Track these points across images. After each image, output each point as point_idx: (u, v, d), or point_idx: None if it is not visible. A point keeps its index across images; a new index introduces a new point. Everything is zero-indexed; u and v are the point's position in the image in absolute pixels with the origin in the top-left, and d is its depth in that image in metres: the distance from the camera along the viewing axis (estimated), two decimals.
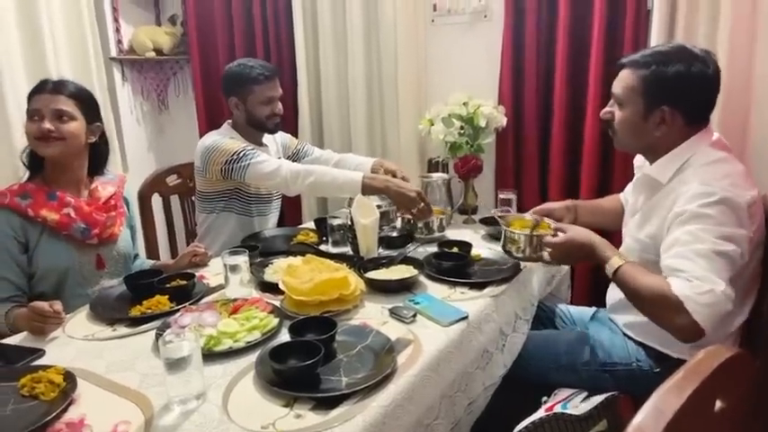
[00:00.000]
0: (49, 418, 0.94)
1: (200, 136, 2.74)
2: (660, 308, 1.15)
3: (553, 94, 2.08)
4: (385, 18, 2.29)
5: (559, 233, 1.34)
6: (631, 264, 1.23)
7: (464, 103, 2.07)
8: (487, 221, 1.93)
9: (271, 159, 1.87)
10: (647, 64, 1.27)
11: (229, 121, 2.05)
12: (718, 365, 0.64)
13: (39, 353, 1.19)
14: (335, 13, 2.42)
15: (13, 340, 1.27)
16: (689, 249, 1.15)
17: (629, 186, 1.60)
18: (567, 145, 2.09)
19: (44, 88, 1.48)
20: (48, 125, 1.44)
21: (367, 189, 1.72)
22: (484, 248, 1.72)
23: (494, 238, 1.85)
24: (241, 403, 1.00)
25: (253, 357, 1.13)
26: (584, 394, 1.37)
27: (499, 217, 1.53)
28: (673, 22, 1.80)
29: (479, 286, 1.46)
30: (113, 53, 2.82)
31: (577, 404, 1.33)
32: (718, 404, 0.65)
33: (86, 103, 1.53)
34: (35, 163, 1.52)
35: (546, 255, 1.37)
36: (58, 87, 1.48)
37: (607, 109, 1.40)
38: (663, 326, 1.17)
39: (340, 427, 0.92)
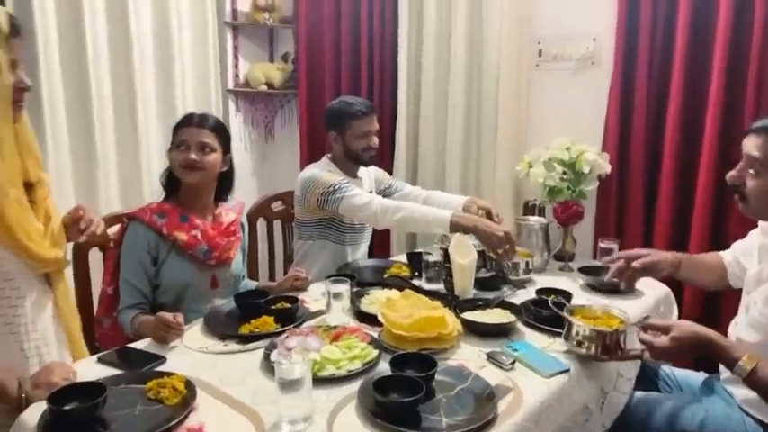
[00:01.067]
0: (174, 422, 1.02)
1: (302, 165, 2.92)
2: None
3: (663, 145, 2.02)
4: (489, 62, 2.34)
5: (665, 336, 1.20)
6: (764, 361, 1.15)
7: (567, 148, 2.05)
8: (587, 270, 1.88)
9: (363, 194, 1.96)
10: None
11: (329, 154, 2.16)
12: None
13: (161, 359, 1.30)
14: (440, 55, 2.50)
15: (137, 345, 1.39)
16: None
17: (739, 246, 1.52)
18: (675, 197, 2.02)
19: (191, 122, 1.64)
20: (193, 156, 1.60)
21: (455, 227, 1.74)
22: (583, 299, 1.68)
23: (593, 288, 1.81)
24: (345, 430, 1.03)
25: (353, 385, 1.17)
26: None
27: (563, 308, 1.38)
28: None
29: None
30: (230, 86, 3.07)
31: None
32: None
33: (224, 136, 1.69)
34: (172, 186, 1.68)
35: (645, 355, 1.25)
36: (202, 122, 1.65)
37: (736, 173, 1.33)
38: None
39: None
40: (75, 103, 2.33)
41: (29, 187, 1.25)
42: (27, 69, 1.24)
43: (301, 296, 1.70)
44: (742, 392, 1.33)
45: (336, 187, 1.95)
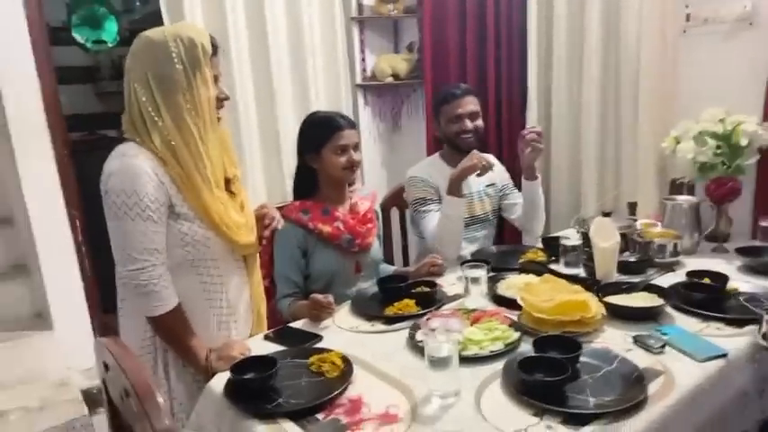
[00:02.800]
0: (337, 392, 1.14)
1: (428, 154, 2.98)
2: None
3: None
4: (627, 32, 2.21)
5: None
6: None
7: (720, 120, 1.89)
8: (746, 251, 1.73)
9: (431, 222, 2.02)
10: None
11: (441, 150, 2.19)
12: None
13: (318, 338, 1.44)
14: (572, 31, 2.41)
15: (296, 325, 1.55)
16: None
17: None
18: None
19: (342, 125, 1.77)
20: (356, 157, 1.77)
21: (453, 189, 1.93)
22: (741, 281, 1.56)
23: (755, 270, 1.67)
24: (493, 406, 1.08)
25: (496, 366, 1.21)
26: None
27: (760, 306, 1.31)
28: None
29: (739, 323, 1.34)
30: (359, 80, 3.21)
31: None
32: None
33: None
34: (307, 187, 1.83)
35: None
36: (351, 123, 1.79)
37: None
38: None
39: None
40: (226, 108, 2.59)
41: (227, 182, 1.46)
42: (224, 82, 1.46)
43: (439, 281, 1.77)
44: None
45: (417, 205, 2.08)
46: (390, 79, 3.18)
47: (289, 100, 2.85)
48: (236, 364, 1.21)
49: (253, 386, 1.18)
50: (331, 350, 1.30)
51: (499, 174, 2.25)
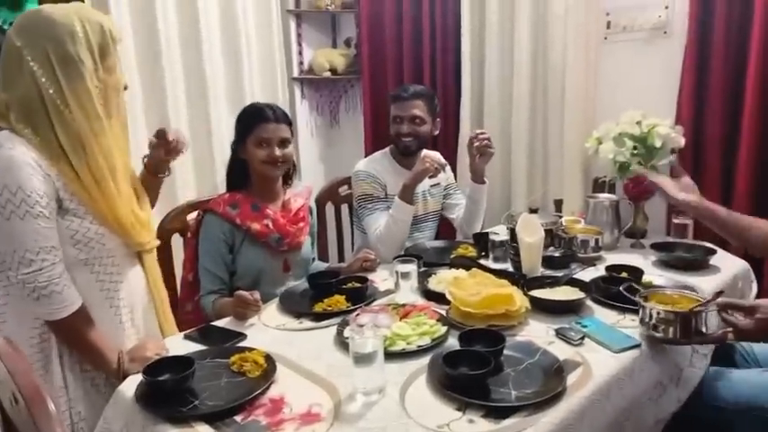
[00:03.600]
0: (257, 392, 1.10)
1: (366, 149, 2.97)
2: None
3: (741, 118, 1.92)
4: (554, 37, 2.29)
5: (749, 318, 1.18)
6: None
7: (638, 122, 1.98)
8: (660, 247, 1.83)
9: (374, 221, 2.02)
10: None
11: (392, 145, 2.18)
12: None
13: (242, 336, 1.40)
14: (503, 33, 2.46)
15: (219, 323, 1.49)
16: None
17: None
18: (755, 172, 1.92)
19: (268, 118, 1.69)
20: (278, 152, 1.68)
21: (406, 196, 1.94)
22: (655, 275, 1.64)
23: (668, 265, 1.76)
24: (417, 402, 1.08)
25: (423, 360, 1.21)
26: None
27: (635, 294, 1.35)
28: None
29: None
30: (295, 74, 3.15)
31: None
32: None
33: (291, 126, 1.76)
34: (241, 178, 1.75)
35: (729, 336, 1.21)
36: (278, 117, 1.71)
37: None
38: None
39: None
40: (151, 97, 2.48)
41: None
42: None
43: (370, 277, 1.76)
44: None
45: (362, 202, 2.07)
46: (328, 74, 3.15)
47: (222, 92, 2.76)
48: (149, 366, 1.14)
49: (166, 388, 1.11)
50: (254, 349, 1.26)
51: (444, 174, 2.27)
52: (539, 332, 1.35)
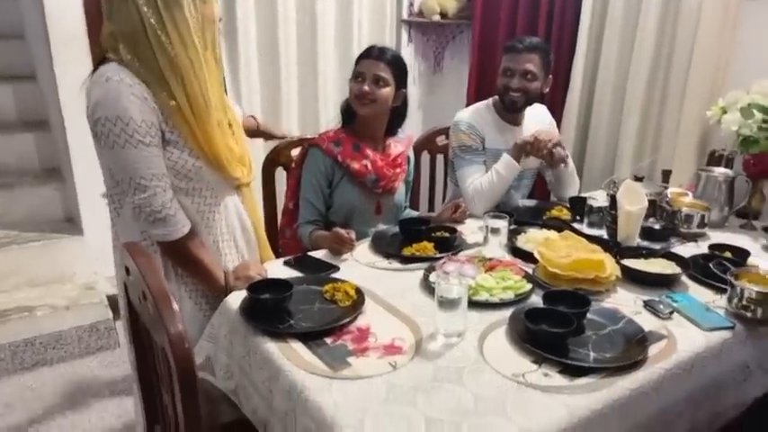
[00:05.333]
0: (346, 320, 1.20)
1: (468, 100, 2.94)
2: None
3: None
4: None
5: None
6: None
7: None
8: None
9: (473, 173, 1.99)
10: None
11: (496, 97, 2.11)
12: None
13: (334, 268, 1.50)
14: None
15: (315, 254, 1.60)
16: None
17: None
18: None
19: (370, 54, 1.74)
20: (367, 88, 1.71)
21: (517, 155, 1.93)
22: (764, 260, 1.54)
23: None
24: (494, 350, 1.13)
25: (505, 313, 1.25)
26: None
27: (726, 272, 1.31)
28: None
29: None
30: (405, 15, 3.13)
31: None
32: None
33: (401, 70, 1.78)
34: (349, 115, 1.82)
35: None
36: (380, 54, 1.73)
37: None
38: None
39: (585, 395, 0.99)
40: (264, 33, 2.58)
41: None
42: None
43: (459, 228, 1.79)
44: None
45: (458, 152, 2.04)
46: (438, 17, 3.10)
47: (330, 32, 2.81)
48: (252, 284, 1.27)
49: (267, 306, 1.24)
50: (346, 281, 1.36)
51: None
52: (626, 301, 1.34)
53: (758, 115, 1.80)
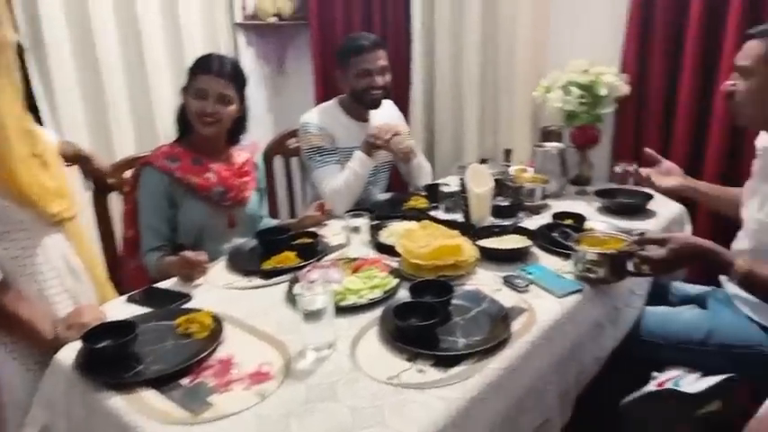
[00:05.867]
0: (204, 354, 1.08)
1: (316, 99, 2.89)
2: None
3: (682, 65, 1.94)
4: None
5: (662, 249, 1.23)
6: (759, 262, 1.19)
7: (584, 71, 1.99)
8: (603, 194, 1.88)
9: (327, 174, 1.96)
10: None
11: (340, 96, 2.11)
12: None
13: (186, 297, 1.36)
14: None
15: (163, 285, 1.45)
16: None
17: None
18: (693, 120, 1.96)
19: (210, 69, 1.60)
20: (212, 108, 1.59)
21: (369, 150, 1.93)
22: (599, 222, 1.69)
23: (609, 210, 1.81)
24: (367, 355, 1.09)
25: (375, 313, 1.22)
26: (698, 374, 1.34)
27: (567, 239, 1.42)
28: None
29: None
30: (238, 19, 2.99)
31: (692, 382, 1.31)
32: None
33: (243, 83, 1.67)
34: (186, 126, 1.67)
35: (645, 269, 1.26)
36: (221, 69, 1.61)
37: (730, 82, 1.37)
38: None
39: (460, 384, 0.99)
40: (79, 47, 2.31)
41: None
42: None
43: (321, 231, 1.74)
44: (746, 299, 1.36)
45: (313, 154, 2.00)
46: (274, 19, 3.00)
47: (159, 40, 2.59)
48: (88, 332, 1.10)
49: (107, 354, 1.08)
50: (200, 310, 1.23)
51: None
52: (487, 280, 1.38)
53: (576, 91, 1.97)
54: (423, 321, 1.12)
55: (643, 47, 2.03)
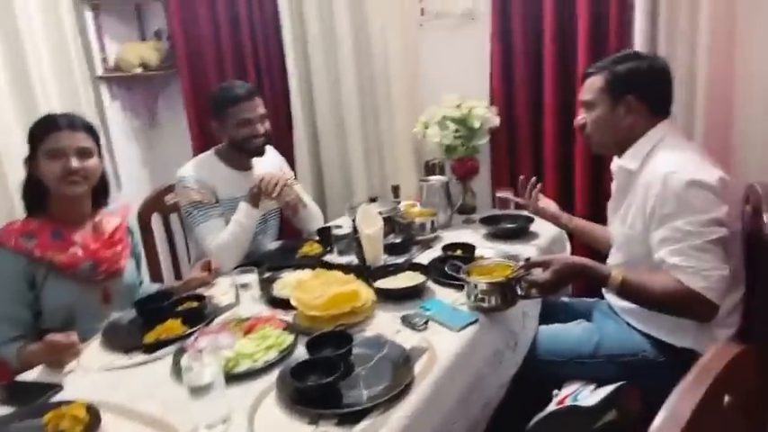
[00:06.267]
0: None
1: (194, 149, 2.77)
2: (682, 306, 1.24)
3: (543, 93, 2.10)
4: (372, 24, 2.30)
5: (544, 272, 1.29)
6: (631, 271, 1.29)
7: (457, 105, 2.08)
8: (487, 221, 1.95)
9: (213, 229, 1.87)
10: (608, 65, 1.43)
11: (217, 146, 2.04)
12: (725, 364, 0.67)
13: (56, 388, 1.20)
14: (323, 21, 2.42)
15: (28, 376, 1.27)
16: (686, 246, 1.23)
17: None
18: (559, 142, 2.12)
19: (59, 125, 1.46)
20: (75, 164, 1.44)
21: (254, 201, 1.88)
22: (487, 248, 1.74)
23: (495, 236, 1.89)
24: (266, 424, 1.01)
25: (272, 376, 1.15)
26: (593, 386, 1.40)
27: (459, 271, 1.42)
28: (655, 15, 1.83)
29: None
30: (99, 72, 2.81)
31: (587, 395, 1.37)
32: (726, 399, 0.69)
33: (96, 134, 1.54)
34: (38, 200, 1.50)
35: (533, 292, 1.33)
36: (73, 123, 1.47)
37: (580, 117, 1.51)
38: (684, 317, 1.29)
39: None
40: None
41: None
42: None
43: (209, 292, 1.63)
44: (624, 308, 1.46)
45: (191, 210, 1.90)
46: (140, 70, 2.85)
47: (7, 100, 2.35)
48: None
49: None
50: (73, 401, 1.08)
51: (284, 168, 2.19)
52: (387, 323, 1.36)
53: (451, 126, 2.06)
54: (322, 379, 1.07)
55: (508, 79, 2.18)
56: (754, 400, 0.76)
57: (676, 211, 1.24)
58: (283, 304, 1.47)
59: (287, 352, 1.24)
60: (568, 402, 1.32)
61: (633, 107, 1.39)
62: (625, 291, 1.28)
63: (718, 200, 1.24)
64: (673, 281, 1.23)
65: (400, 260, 1.68)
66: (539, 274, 1.31)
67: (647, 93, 1.39)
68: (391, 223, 1.89)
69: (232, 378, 1.15)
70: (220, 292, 1.65)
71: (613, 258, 1.53)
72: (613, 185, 1.55)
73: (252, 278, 1.49)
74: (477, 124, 2.05)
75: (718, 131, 1.79)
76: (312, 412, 1.01)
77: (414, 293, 1.47)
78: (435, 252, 1.78)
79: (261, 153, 1.99)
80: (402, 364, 1.15)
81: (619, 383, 1.36)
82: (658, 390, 1.34)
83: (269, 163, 2.08)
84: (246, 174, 2.00)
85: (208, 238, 1.87)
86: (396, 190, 2.20)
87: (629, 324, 1.47)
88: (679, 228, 1.23)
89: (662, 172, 1.28)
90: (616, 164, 1.50)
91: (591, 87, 1.45)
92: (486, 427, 1.30)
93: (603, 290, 1.53)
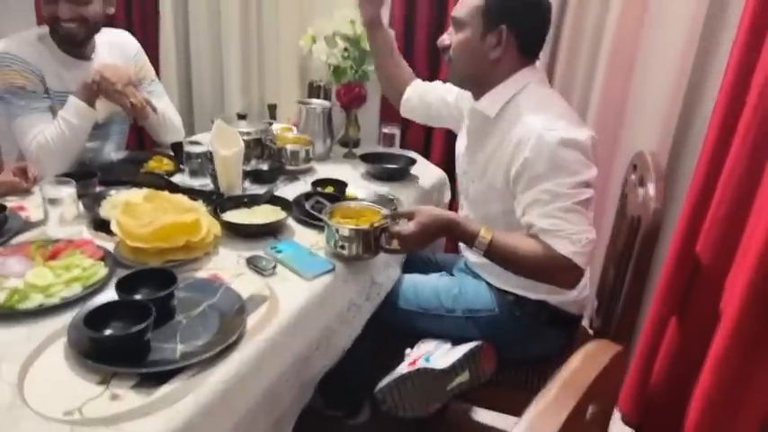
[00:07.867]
0: None
1: (37, 19, 2.30)
2: (549, 271, 1.17)
3: (446, 21, 1.91)
4: None
5: (410, 223, 1.18)
6: (499, 232, 1.19)
7: (352, 21, 1.83)
8: (368, 158, 1.77)
9: (35, 124, 1.53)
10: None
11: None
12: (595, 376, 0.57)
13: None
14: None
15: None
16: (554, 208, 1.14)
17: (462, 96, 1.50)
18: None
19: None
20: None
21: (88, 96, 1.54)
22: (361, 188, 1.59)
23: (373, 176, 1.73)
24: (42, 380, 0.81)
25: (67, 318, 0.93)
26: (448, 346, 1.34)
27: (321, 211, 1.26)
28: None
29: None
30: None
31: (440, 357, 1.30)
32: (590, 410, 0.59)
33: None
34: None
35: (395, 243, 1.20)
36: None
37: (444, 36, 1.31)
38: (551, 283, 1.21)
39: (165, 410, 0.77)
40: None
41: None
42: None
43: (22, 202, 1.34)
44: (482, 265, 1.38)
45: (9, 99, 1.53)
46: None
47: None
48: None
49: None
50: None
51: (142, 67, 1.80)
52: (229, 263, 1.17)
53: (341, 44, 1.82)
54: (127, 328, 0.87)
55: (411, 4, 1.95)
56: (610, 404, 0.68)
57: (547, 173, 1.14)
58: (108, 228, 1.22)
59: (94, 288, 1.01)
60: (419, 365, 1.24)
61: (504, 40, 1.22)
62: (492, 252, 1.19)
63: (588, 161, 1.17)
64: (541, 246, 1.15)
65: (261, 191, 1.47)
66: (404, 225, 1.18)
67: (522, 28, 1.22)
68: (260, 147, 1.67)
69: (15, 316, 0.93)
70: (34, 203, 1.35)
71: (465, 214, 1.42)
72: (464, 128, 1.42)
73: (66, 192, 1.21)
74: (370, 46, 1.83)
75: (615, 94, 1.72)
76: (105, 369, 0.82)
77: (267, 231, 1.28)
78: (304, 186, 1.59)
79: (75, 43, 1.60)
80: (233, 316, 0.97)
81: (474, 344, 1.30)
82: (514, 341, 1.33)
83: (119, 53, 1.73)
84: (84, 64, 1.63)
85: (29, 135, 1.53)
86: (272, 109, 1.95)
87: (486, 282, 1.40)
88: (548, 189, 1.14)
89: (535, 128, 1.16)
90: (471, 105, 1.37)
91: (467, 3, 1.25)
92: (338, 375, 1.18)
93: (462, 246, 1.45)
